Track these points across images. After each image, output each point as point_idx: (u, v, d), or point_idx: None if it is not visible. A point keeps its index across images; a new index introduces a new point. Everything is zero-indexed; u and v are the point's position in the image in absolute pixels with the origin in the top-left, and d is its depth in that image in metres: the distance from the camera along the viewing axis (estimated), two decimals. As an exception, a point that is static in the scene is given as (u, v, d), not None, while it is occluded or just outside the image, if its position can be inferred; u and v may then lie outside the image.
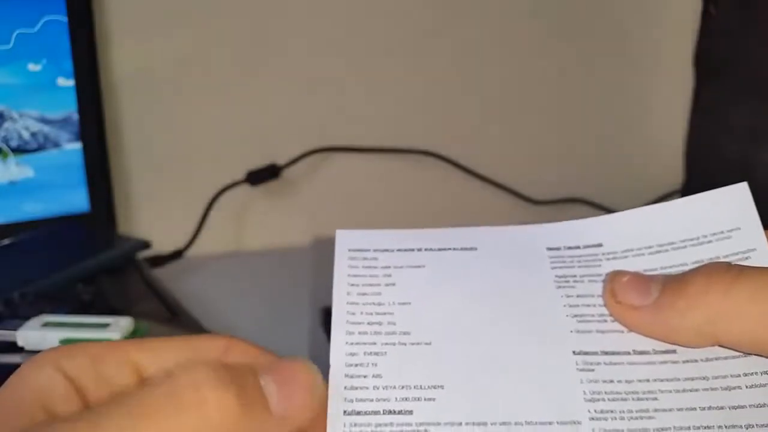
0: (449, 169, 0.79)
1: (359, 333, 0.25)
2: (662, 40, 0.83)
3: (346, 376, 0.24)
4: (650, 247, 0.28)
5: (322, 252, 0.76)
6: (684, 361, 0.25)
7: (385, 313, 0.26)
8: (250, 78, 0.73)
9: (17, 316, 0.43)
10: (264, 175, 0.73)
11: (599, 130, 0.84)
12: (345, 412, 0.23)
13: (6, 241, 0.59)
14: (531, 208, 0.83)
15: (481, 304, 0.26)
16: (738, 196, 0.28)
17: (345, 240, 0.30)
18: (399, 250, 0.29)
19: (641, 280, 0.25)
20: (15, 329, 0.41)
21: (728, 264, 0.25)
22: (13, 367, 0.24)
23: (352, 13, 0.74)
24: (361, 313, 0.26)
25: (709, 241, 0.27)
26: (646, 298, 0.25)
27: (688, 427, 0.23)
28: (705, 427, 0.23)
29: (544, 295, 0.27)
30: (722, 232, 0.27)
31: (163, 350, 0.24)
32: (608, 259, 0.28)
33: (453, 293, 0.27)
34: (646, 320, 0.25)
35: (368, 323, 0.25)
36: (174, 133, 0.72)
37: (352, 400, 0.23)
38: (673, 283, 0.25)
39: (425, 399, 0.23)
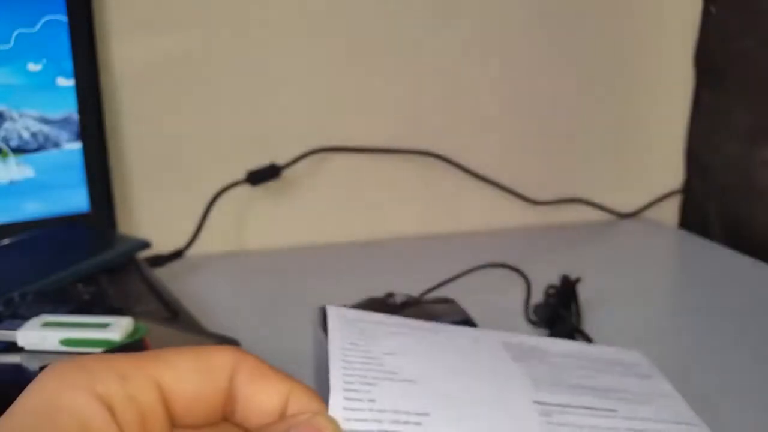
0: (449, 169, 0.79)
1: (353, 369, 0.29)
2: (662, 40, 0.83)
3: (345, 399, 0.27)
4: (579, 359, 0.35)
5: (322, 252, 0.76)
6: (623, 417, 0.31)
7: (373, 358, 0.30)
8: (251, 78, 0.73)
9: (17, 316, 0.43)
10: (264, 175, 0.73)
11: (599, 131, 0.85)
12: (344, 429, 0.26)
13: (6, 241, 0.59)
14: (531, 208, 0.83)
15: (452, 360, 0.32)
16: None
17: (336, 312, 0.34)
18: (380, 322, 0.34)
19: None
20: (15, 329, 0.41)
21: None
22: (13, 367, 0.23)
23: (353, 14, 0.74)
24: (355, 358, 0.30)
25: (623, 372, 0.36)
26: None
27: None
28: None
29: (503, 362, 0.33)
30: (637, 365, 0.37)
31: (180, 364, 0.25)
32: (552, 354, 0.35)
33: (428, 351, 0.32)
34: None
35: (360, 362, 0.29)
36: (174, 133, 0.72)
37: (349, 420, 0.26)
38: None
39: (413, 423, 0.27)
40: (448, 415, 0.28)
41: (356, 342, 0.31)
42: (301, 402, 0.26)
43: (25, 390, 0.23)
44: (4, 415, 0.23)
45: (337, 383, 0.27)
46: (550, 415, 0.29)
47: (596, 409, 0.31)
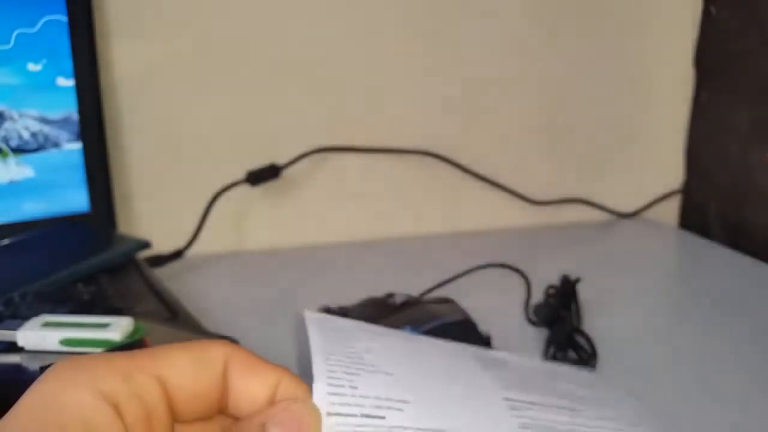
0: (449, 169, 0.79)
1: (335, 360, 0.30)
2: (662, 40, 0.83)
3: (328, 385, 0.27)
4: (542, 371, 0.38)
5: (322, 252, 0.76)
6: (586, 416, 0.34)
7: (354, 354, 0.31)
8: (250, 78, 0.73)
9: (17, 316, 0.43)
10: (264, 175, 0.73)
11: (599, 131, 0.85)
12: (328, 413, 0.26)
13: (6, 241, 0.59)
14: (531, 208, 0.83)
15: (427, 361, 0.33)
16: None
17: (313, 315, 0.35)
18: (356, 327, 0.35)
19: None
20: (15, 329, 0.41)
21: None
22: (13, 367, 0.23)
23: (353, 14, 0.74)
24: (336, 351, 0.31)
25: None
26: None
27: None
28: None
29: (473, 367, 0.35)
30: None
31: (179, 360, 0.25)
32: (517, 366, 0.37)
33: (404, 352, 0.33)
34: None
35: (342, 355, 0.30)
36: (174, 133, 0.72)
37: (333, 404, 0.26)
38: None
39: (395, 408, 0.27)
40: (427, 402, 0.28)
41: (336, 341, 0.31)
42: (289, 391, 0.26)
43: (28, 389, 0.23)
44: (7, 414, 0.23)
45: (320, 372, 0.28)
46: (519, 410, 0.31)
47: (560, 407, 0.33)
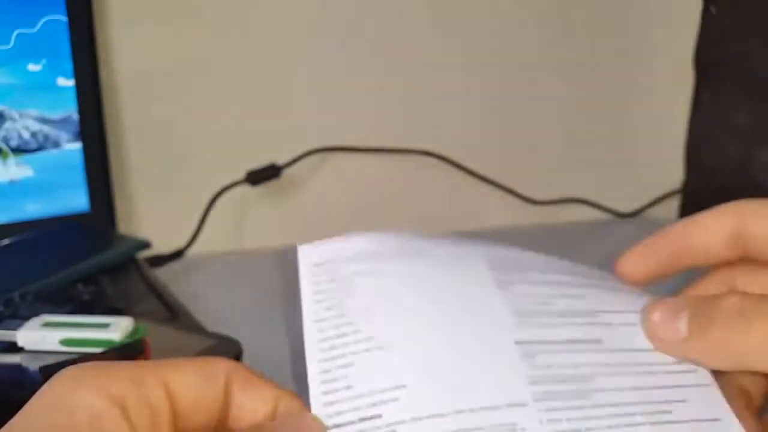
0: (449, 169, 0.79)
1: (330, 348, 0.29)
2: (662, 40, 0.83)
3: (323, 393, 0.27)
4: (571, 274, 0.34)
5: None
6: (610, 350, 0.29)
7: (349, 323, 0.29)
8: (251, 78, 0.73)
9: (17, 316, 0.43)
10: (264, 175, 0.73)
11: (599, 130, 0.85)
12: (327, 427, 0.26)
13: (6, 241, 0.59)
14: (531, 208, 0.83)
15: (431, 307, 0.30)
16: None
17: (308, 255, 0.34)
18: (358, 258, 0.33)
19: (668, 317, 0.29)
20: (15, 329, 0.41)
21: (743, 296, 0.28)
22: (13, 367, 0.24)
23: (353, 13, 0.74)
24: (329, 328, 0.29)
25: None
26: (675, 334, 0.29)
27: (618, 404, 0.27)
28: (632, 403, 0.27)
29: (485, 294, 0.31)
30: None
31: (183, 370, 0.26)
32: (539, 272, 0.33)
33: (407, 298, 0.31)
34: (679, 352, 0.29)
35: (336, 336, 0.29)
36: (174, 133, 0.72)
37: (331, 415, 0.26)
38: (697, 321, 0.28)
39: (391, 400, 0.27)
40: (425, 383, 0.27)
41: (329, 305, 0.31)
42: (288, 408, 0.27)
43: (37, 392, 0.24)
44: (17, 415, 0.23)
45: (315, 373, 0.28)
46: (533, 357, 0.28)
47: (581, 342, 0.30)
